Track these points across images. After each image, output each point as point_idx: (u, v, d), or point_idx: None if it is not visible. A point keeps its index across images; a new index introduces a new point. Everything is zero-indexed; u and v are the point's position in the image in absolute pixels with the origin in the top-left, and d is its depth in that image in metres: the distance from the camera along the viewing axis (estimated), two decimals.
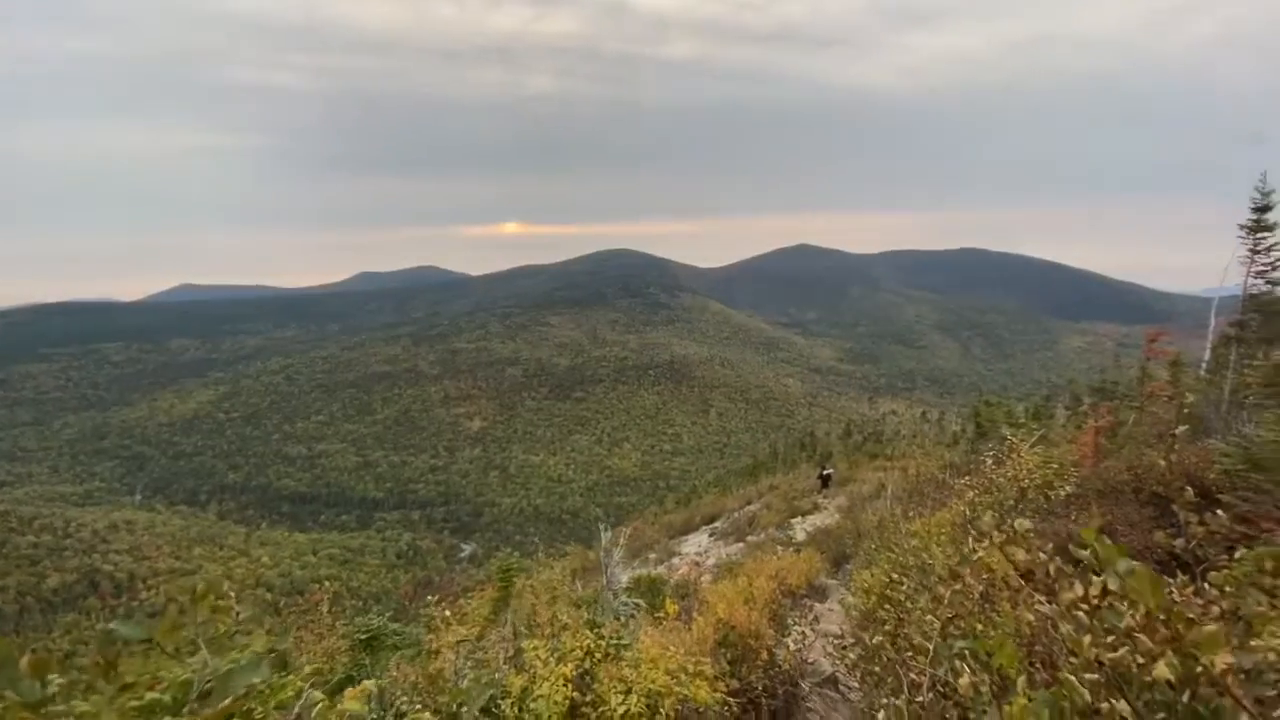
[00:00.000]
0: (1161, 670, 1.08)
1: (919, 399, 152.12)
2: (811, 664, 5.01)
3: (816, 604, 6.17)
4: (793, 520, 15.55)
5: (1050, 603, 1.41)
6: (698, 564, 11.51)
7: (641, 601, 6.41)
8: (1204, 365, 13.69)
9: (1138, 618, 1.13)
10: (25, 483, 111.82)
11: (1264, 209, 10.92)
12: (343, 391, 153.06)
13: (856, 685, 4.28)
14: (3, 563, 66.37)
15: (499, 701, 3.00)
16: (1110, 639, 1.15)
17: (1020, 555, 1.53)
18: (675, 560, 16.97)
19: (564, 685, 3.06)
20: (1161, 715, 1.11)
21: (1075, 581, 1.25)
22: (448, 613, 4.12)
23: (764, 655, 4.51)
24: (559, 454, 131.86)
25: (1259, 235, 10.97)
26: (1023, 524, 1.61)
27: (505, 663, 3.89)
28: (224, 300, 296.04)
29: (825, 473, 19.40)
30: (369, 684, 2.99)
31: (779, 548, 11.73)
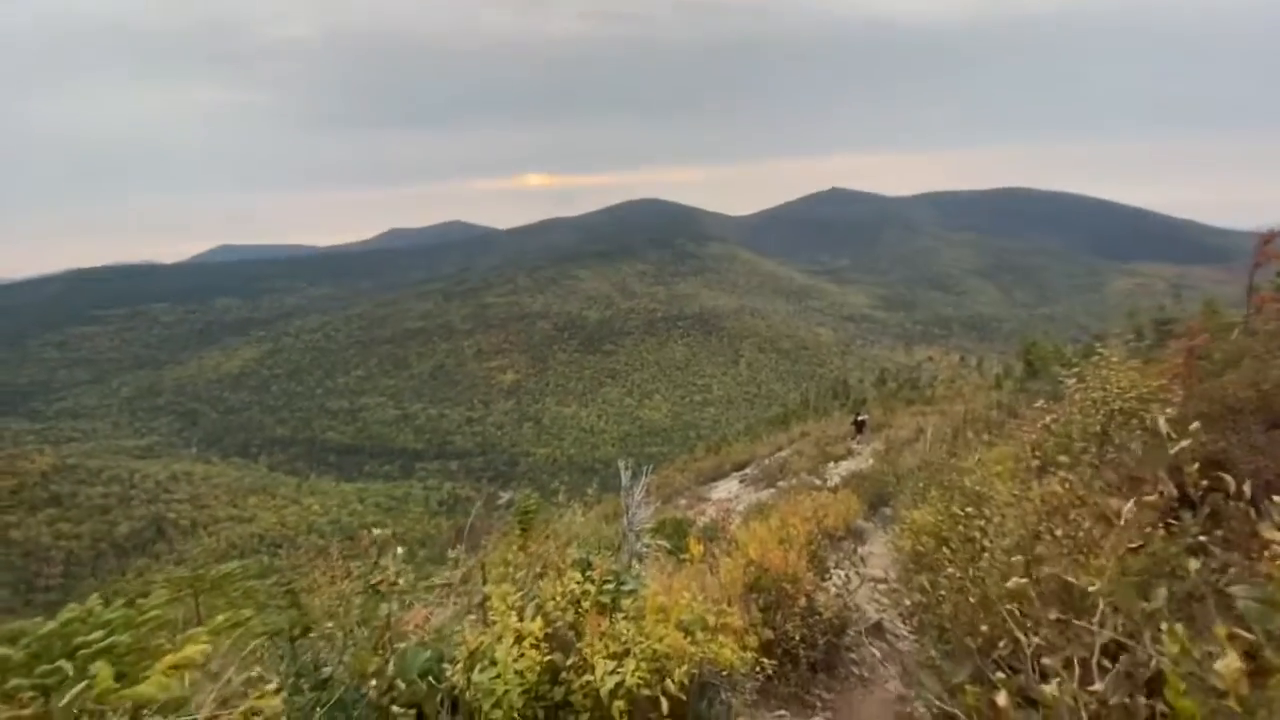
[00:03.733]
0: None
1: (956, 345, 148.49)
2: (855, 610, 4.64)
3: (857, 547, 5.94)
4: (825, 466, 15.50)
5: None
6: (727, 508, 11.56)
7: (665, 543, 6.28)
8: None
9: None
10: (91, 437, 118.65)
11: None
12: (379, 347, 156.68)
13: (907, 633, 3.97)
14: (77, 512, 71.11)
15: (444, 666, 2.38)
16: None
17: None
18: (705, 506, 17.17)
19: (533, 648, 2.33)
20: None
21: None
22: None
23: (802, 601, 4.13)
24: (590, 406, 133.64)
25: None
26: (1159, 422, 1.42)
27: (468, 616, 3.29)
28: (261, 260, 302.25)
29: (860, 418, 19.16)
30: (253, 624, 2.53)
31: (812, 491, 11.71)
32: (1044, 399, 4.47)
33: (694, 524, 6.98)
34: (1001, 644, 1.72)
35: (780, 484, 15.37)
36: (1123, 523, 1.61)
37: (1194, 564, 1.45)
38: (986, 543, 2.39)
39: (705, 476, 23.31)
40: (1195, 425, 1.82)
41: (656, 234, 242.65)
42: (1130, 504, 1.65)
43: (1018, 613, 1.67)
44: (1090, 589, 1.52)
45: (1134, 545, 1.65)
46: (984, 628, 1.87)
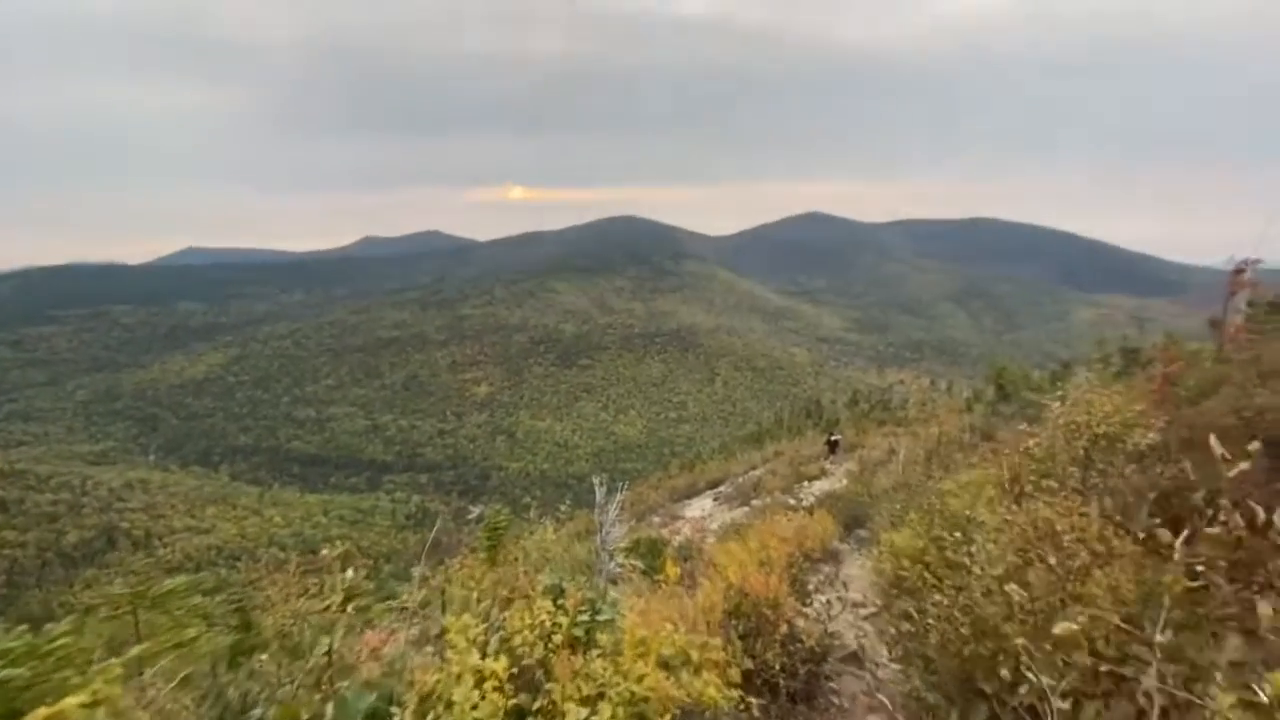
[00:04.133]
0: None
1: (926, 369, 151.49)
2: (835, 637, 4.42)
3: (835, 569, 5.78)
4: (799, 485, 15.55)
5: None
6: (702, 526, 11.49)
7: (640, 564, 6.16)
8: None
9: None
10: (42, 441, 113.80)
11: None
12: (350, 356, 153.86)
13: (888, 661, 3.72)
14: (23, 519, 67.96)
15: (391, 711, 2.06)
16: None
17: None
18: (679, 523, 17.06)
19: (495, 690, 2.01)
20: None
21: None
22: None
23: (783, 628, 3.90)
24: (565, 420, 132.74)
25: None
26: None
27: (425, 648, 2.97)
28: (230, 264, 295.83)
29: (833, 438, 19.31)
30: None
31: (784, 510, 11.70)
32: (1024, 421, 4.52)
33: (669, 543, 6.75)
34: (1023, 690, 1.54)
35: (754, 502, 15.37)
36: (1175, 558, 1.48)
37: (1265, 609, 1.30)
38: (977, 570, 2.28)
39: (679, 494, 23.21)
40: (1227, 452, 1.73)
41: (636, 251, 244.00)
42: (1181, 538, 1.53)
43: (1029, 652, 1.53)
44: (1156, 638, 1.36)
45: (1193, 584, 1.49)
46: (1004, 673, 1.68)
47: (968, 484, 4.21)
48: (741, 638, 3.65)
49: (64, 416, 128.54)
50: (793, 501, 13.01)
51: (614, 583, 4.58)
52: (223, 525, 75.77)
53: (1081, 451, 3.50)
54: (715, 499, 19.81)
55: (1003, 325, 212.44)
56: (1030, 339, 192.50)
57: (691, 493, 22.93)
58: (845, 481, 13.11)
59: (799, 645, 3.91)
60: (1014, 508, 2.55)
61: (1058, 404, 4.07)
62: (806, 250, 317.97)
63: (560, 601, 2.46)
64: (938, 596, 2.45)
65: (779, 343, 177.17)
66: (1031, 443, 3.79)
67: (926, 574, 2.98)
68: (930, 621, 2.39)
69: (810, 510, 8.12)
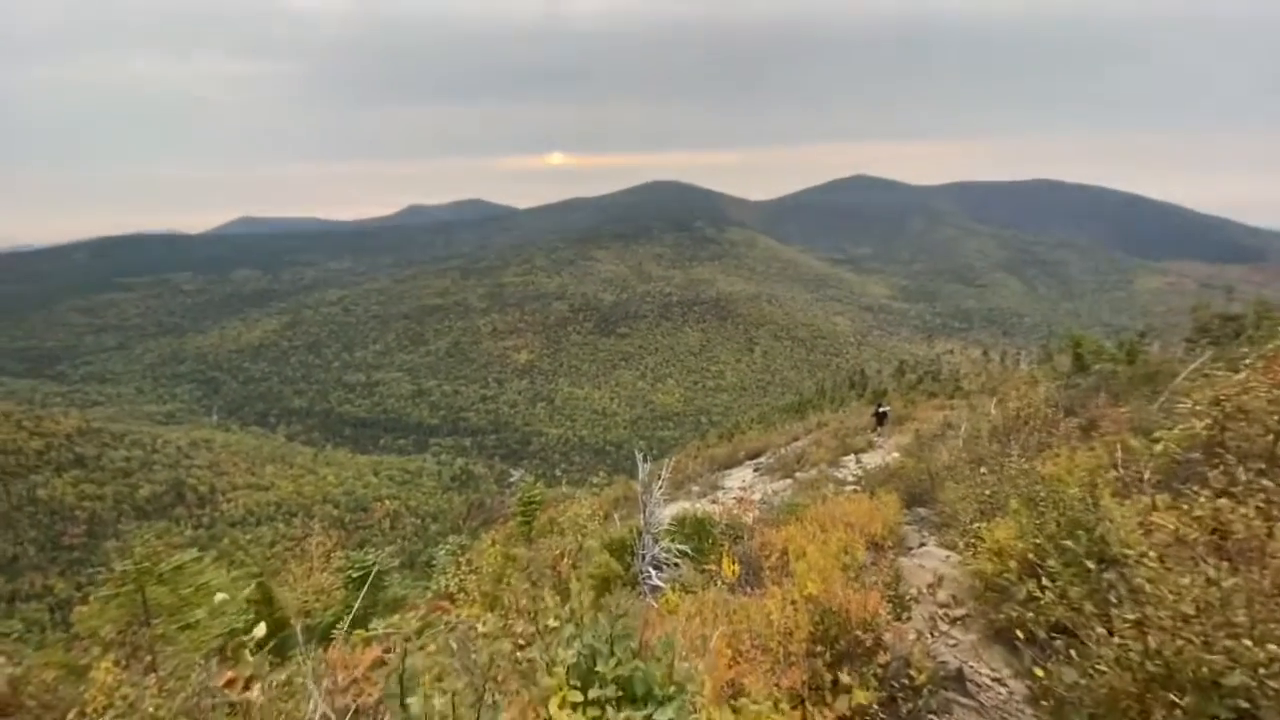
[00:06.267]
0: None
1: (975, 339, 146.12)
2: (932, 657, 3.55)
3: (902, 560, 5.08)
4: (845, 458, 15.17)
5: None
6: (746, 499, 11.31)
7: (685, 548, 5.58)
8: None
9: None
10: (114, 402, 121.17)
11: None
12: (396, 323, 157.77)
13: (992, 683, 3.16)
14: (100, 474, 72.79)
15: None
16: None
17: None
18: (719, 494, 16.94)
19: None
20: None
21: None
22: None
23: (882, 655, 3.14)
24: (603, 388, 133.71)
25: None
26: None
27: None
28: (281, 233, 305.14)
29: (881, 410, 18.72)
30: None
31: (831, 485, 11.41)
32: (1110, 396, 4.02)
33: (717, 522, 6.22)
34: None
35: (798, 474, 15.08)
36: None
37: None
38: (1162, 597, 1.75)
39: (718, 464, 23.05)
40: None
41: (676, 217, 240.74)
42: None
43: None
44: None
45: None
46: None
47: (1073, 469, 3.72)
48: (830, 665, 3.02)
49: (134, 378, 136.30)
50: (841, 475, 12.68)
51: (657, 567, 4.34)
52: (281, 483, 79.69)
53: (1270, 437, 2.85)
54: (756, 470, 19.58)
55: (1059, 293, 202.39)
56: (1089, 308, 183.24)
57: (731, 463, 22.74)
58: (896, 455, 12.69)
59: (906, 680, 3.09)
60: (1156, 504, 2.17)
61: (1237, 374, 3.31)
62: (853, 215, 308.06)
63: (593, 677, 1.69)
64: (1100, 630, 1.99)
65: (821, 311, 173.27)
66: (1183, 427, 3.17)
67: (1050, 585, 2.45)
68: (1100, 668, 1.87)
69: (872, 490, 7.71)
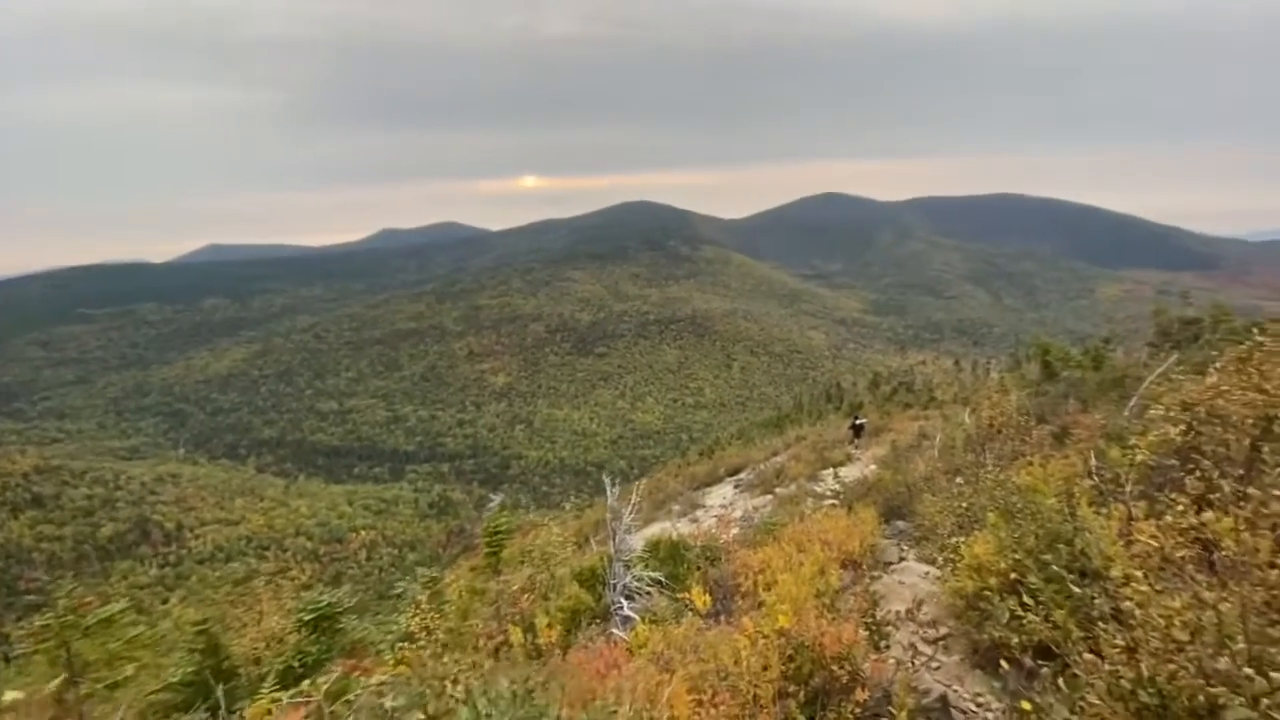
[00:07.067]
0: None
1: (946, 350, 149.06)
2: (915, 679, 3.40)
3: (880, 578, 4.95)
4: (823, 472, 15.19)
5: None
6: (727, 518, 11.21)
7: (658, 575, 5.38)
8: None
9: None
10: (75, 438, 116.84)
11: None
12: (370, 348, 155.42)
13: (977, 709, 3.01)
14: (59, 514, 69.85)
15: None
16: None
17: None
18: (699, 513, 16.81)
19: None
20: None
21: None
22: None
23: (860, 692, 2.97)
24: (582, 408, 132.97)
25: None
26: None
27: None
28: (251, 260, 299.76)
29: (858, 422, 18.84)
30: None
31: (810, 500, 11.37)
32: (1078, 403, 4.03)
33: (692, 546, 6.03)
34: None
35: (778, 490, 15.04)
36: None
37: None
38: (1145, 631, 1.66)
39: (699, 482, 22.90)
40: None
41: (650, 236, 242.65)
42: None
43: None
44: None
45: None
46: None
47: (1048, 477, 3.67)
48: (804, 705, 2.83)
49: (95, 413, 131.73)
50: (820, 490, 12.66)
51: (629, 597, 4.19)
52: (251, 516, 77.32)
53: (1248, 440, 2.76)
54: (736, 487, 19.50)
55: (1025, 303, 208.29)
56: (1054, 317, 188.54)
57: (711, 480, 22.62)
58: (874, 467, 12.73)
59: (888, 717, 2.87)
60: (1134, 514, 2.12)
61: (1206, 377, 3.25)
62: (824, 232, 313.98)
63: None
64: (1089, 655, 1.88)
65: (796, 326, 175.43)
66: (1157, 433, 3.10)
67: (1032, 605, 2.32)
68: (1094, 700, 1.75)
69: (849, 505, 7.66)
